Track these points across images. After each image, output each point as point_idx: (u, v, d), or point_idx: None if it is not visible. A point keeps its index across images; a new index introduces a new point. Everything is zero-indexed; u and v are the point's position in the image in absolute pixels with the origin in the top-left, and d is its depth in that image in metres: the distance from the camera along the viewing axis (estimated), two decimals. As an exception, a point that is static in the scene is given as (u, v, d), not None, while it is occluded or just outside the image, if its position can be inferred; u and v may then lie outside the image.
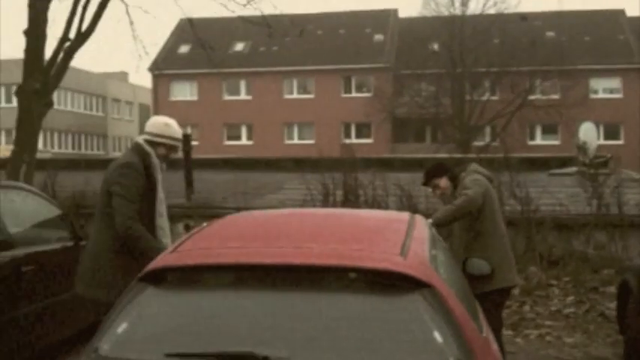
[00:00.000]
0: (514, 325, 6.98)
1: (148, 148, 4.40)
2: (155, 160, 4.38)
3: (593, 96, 37.41)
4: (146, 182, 4.30)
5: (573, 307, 7.66)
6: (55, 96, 12.90)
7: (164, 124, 4.53)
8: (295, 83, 41.60)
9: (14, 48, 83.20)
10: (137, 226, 4.16)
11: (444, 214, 4.68)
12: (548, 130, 38.28)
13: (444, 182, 4.97)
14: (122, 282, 3.58)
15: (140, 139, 4.50)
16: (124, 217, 4.14)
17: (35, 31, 11.76)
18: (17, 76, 12.41)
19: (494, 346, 2.96)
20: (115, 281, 4.05)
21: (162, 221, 4.43)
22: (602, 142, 25.31)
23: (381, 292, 2.58)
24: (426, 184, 5.10)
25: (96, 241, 4.38)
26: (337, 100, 40.23)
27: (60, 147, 47.76)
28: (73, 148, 49.73)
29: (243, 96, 42.00)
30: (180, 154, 12.16)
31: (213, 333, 2.53)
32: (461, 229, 4.89)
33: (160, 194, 4.42)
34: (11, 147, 12.25)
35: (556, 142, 36.61)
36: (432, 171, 5.04)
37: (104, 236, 4.29)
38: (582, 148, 11.23)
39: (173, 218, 8.62)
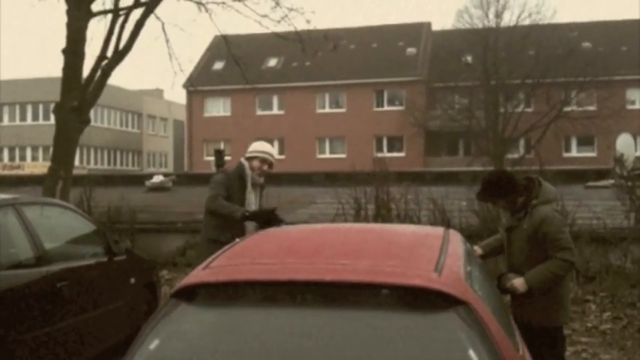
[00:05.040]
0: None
1: (244, 162, 5.85)
2: (247, 171, 5.77)
3: (630, 107, 36.86)
4: (238, 184, 5.71)
5: (610, 323, 7.50)
6: (91, 113, 13.11)
7: (259, 144, 5.99)
8: (327, 97, 41.74)
9: (53, 66, 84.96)
10: (217, 200, 5.53)
11: (541, 280, 4.23)
12: (584, 142, 37.76)
13: (501, 204, 4.51)
14: None
15: (242, 159, 5.92)
16: (209, 198, 5.56)
17: (73, 50, 11.99)
18: (55, 94, 12.63)
19: (532, 365, 2.89)
20: None
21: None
22: (639, 153, 24.87)
23: (415, 310, 2.54)
24: (482, 200, 4.71)
25: (202, 235, 5.84)
26: (369, 114, 40.23)
27: (96, 163, 48.53)
28: (109, 164, 50.49)
29: (275, 111, 42.26)
30: (213, 169, 12.25)
31: (245, 350, 2.51)
32: (522, 258, 4.42)
33: (249, 195, 5.77)
34: (48, 163, 12.46)
35: (592, 154, 36.09)
36: (490, 192, 4.47)
37: (208, 231, 5.66)
38: (619, 160, 11.03)
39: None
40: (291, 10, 13.67)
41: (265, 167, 5.84)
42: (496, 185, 4.43)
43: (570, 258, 4.27)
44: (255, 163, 5.81)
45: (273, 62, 41.92)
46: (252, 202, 5.83)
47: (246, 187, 5.74)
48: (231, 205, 5.52)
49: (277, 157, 6.14)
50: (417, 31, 42.58)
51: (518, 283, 4.28)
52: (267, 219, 5.26)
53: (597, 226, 9.54)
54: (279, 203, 6.72)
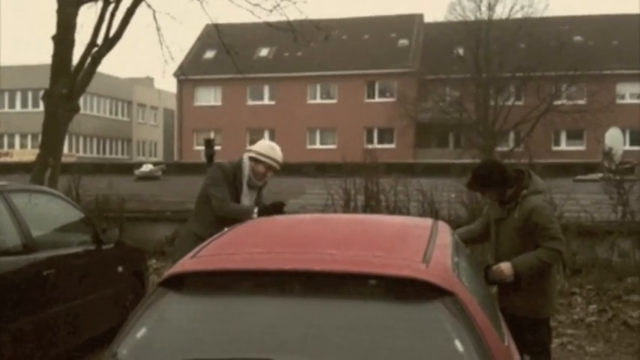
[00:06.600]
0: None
1: (245, 160, 5.26)
2: (245, 171, 5.23)
3: (619, 101, 37.00)
4: (233, 185, 5.21)
5: (596, 315, 7.57)
6: (81, 101, 13.03)
7: (269, 147, 5.36)
8: (319, 88, 41.69)
9: (42, 53, 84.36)
10: (227, 204, 5.10)
11: (528, 265, 4.27)
12: (574, 136, 37.92)
13: (490, 194, 4.56)
14: None
15: (245, 155, 5.32)
16: (217, 201, 5.10)
17: (63, 37, 11.89)
18: (44, 81, 12.54)
19: (517, 356, 2.91)
20: None
21: None
22: (628, 147, 25.00)
23: (402, 300, 2.55)
24: (472, 190, 4.75)
25: (187, 226, 5.39)
26: (360, 105, 40.22)
27: (85, 151, 48.30)
28: (98, 152, 50.27)
29: (266, 101, 42.18)
30: (203, 159, 12.22)
31: (232, 339, 2.52)
32: (510, 250, 4.41)
33: (244, 198, 5.23)
34: (37, 151, 12.38)
35: (581, 148, 36.22)
36: (481, 182, 4.48)
37: (192, 223, 5.29)
38: (608, 154, 11.07)
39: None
40: (283, -1, 13.61)
41: (269, 174, 5.34)
42: (487, 175, 4.43)
43: (559, 247, 4.31)
44: (260, 169, 5.25)
45: (264, 52, 41.78)
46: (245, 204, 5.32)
47: (239, 186, 5.24)
48: (241, 207, 5.14)
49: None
50: (409, 23, 42.52)
51: (505, 266, 4.32)
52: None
53: (585, 219, 9.60)
54: (267, 193, 6.45)
